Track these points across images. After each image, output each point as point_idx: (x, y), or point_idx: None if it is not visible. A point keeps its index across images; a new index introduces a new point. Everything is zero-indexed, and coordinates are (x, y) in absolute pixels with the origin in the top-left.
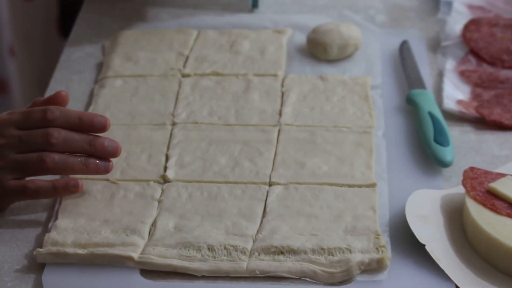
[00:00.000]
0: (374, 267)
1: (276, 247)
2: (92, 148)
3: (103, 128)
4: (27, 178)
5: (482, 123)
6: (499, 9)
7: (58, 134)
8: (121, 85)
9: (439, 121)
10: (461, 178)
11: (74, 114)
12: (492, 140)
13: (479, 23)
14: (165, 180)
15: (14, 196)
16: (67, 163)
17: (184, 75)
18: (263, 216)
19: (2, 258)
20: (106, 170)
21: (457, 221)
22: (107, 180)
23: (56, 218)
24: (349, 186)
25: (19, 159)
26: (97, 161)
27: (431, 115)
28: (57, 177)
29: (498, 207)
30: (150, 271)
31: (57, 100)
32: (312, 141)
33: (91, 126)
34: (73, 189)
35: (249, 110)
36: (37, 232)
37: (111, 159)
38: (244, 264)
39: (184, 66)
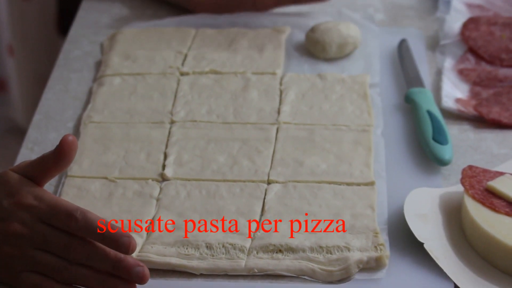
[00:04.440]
0: (372, 266)
1: (274, 245)
2: (116, 271)
3: (127, 251)
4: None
5: (481, 121)
6: (498, 7)
7: (82, 251)
8: (120, 83)
9: (437, 120)
10: (459, 176)
11: (98, 230)
12: (491, 138)
13: (478, 21)
14: (163, 178)
15: None
16: (84, 280)
17: (182, 73)
18: (262, 214)
19: None
20: None
21: (455, 220)
22: (106, 178)
23: None
24: (348, 184)
25: (39, 260)
26: (118, 284)
27: (430, 113)
28: None
29: (496, 206)
30: (149, 269)
31: (66, 150)
32: (311, 140)
33: (116, 247)
34: None
35: (247, 109)
36: None
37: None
38: (242, 262)
39: (182, 64)
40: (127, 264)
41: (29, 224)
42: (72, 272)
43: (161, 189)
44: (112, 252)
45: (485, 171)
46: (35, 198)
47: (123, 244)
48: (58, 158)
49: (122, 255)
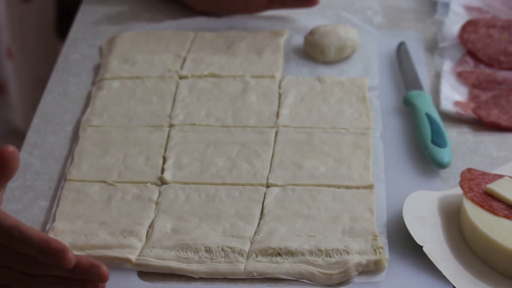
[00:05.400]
0: (371, 269)
1: (273, 248)
2: (75, 276)
3: (65, 263)
4: None
5: (480, 124)
6: (497, 10)
7: (36, 264)
8: (119, 87)
9: (436, 122)
10: (458, 179)
11: (36, 247)
12: (490, 141)
13: (476, 24)
14: (162, 182)
15: None
16: (53, 287)
17: (181, 77)
18: (261, 217)
19: None
20: None
21: (454, 223)
22: (105, 182)
23: (53, 220)
24: (347, 187)
25: (5, 276)
26: (84, 284)
27: (429, 116)
28: None
29: (495, 208)
30: (148, 273)
31: (5, 160)
32: (310, 143)
33: (55, 261)
34: None
35: (246, 112)
36: None
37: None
38: (241, 265)
39: (181, 67)
40: (82, 268)
41: None
42: (38, 283)
43: (160, 192)
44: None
45: (484, 173)
46: None
47: (61, 258)
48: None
49: (75, 260)
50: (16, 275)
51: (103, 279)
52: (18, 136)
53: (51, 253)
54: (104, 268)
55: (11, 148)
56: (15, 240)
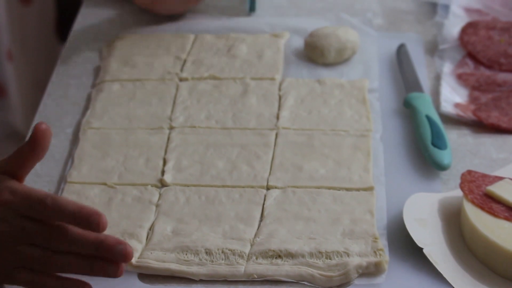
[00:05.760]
0: (372, 271)
1: (274, 250)
2: (99, 253)
3: (97, 227)
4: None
5: (480, 126)
6: (497, 12)
7: (62, 238)
8: (119, 89)
9: (436, 124)
10: (458, 181)
11: (69, 213)
12: (490, 143)
13: (476, 26)
14: (162, 184)
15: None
16: (72, 268)
17: (181, 79)
18: (261, 219)
19: None
20: (115, 275)
21: (455, 225)
22: (105, 184)
23: None
24: (347, 189)
25: (25, 255)
26: (105, 266)
27: (429, 118)
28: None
29: (496, 210)
30: (148, 275)
31: (39, 137)
32: (310, 145)
33: (87, 225)
34: None
35: (246, 114)
36: None
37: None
38: (242, 268)
39: (181, 70)
40: (109, 244)
41: (8, 220)
42: (58, 262)
43: (160, 195)
44: (92, 234)
45: (484, 175)
46: (10, 193)
47: (93, 221)
48: (33, 147)
49: (102, 236)
50: (38, 254)
51: (127, 258)
52: (18, 138)
53: (85, 217)
54: (130, 247)
55: (44, 126)
56: (48, 207)
